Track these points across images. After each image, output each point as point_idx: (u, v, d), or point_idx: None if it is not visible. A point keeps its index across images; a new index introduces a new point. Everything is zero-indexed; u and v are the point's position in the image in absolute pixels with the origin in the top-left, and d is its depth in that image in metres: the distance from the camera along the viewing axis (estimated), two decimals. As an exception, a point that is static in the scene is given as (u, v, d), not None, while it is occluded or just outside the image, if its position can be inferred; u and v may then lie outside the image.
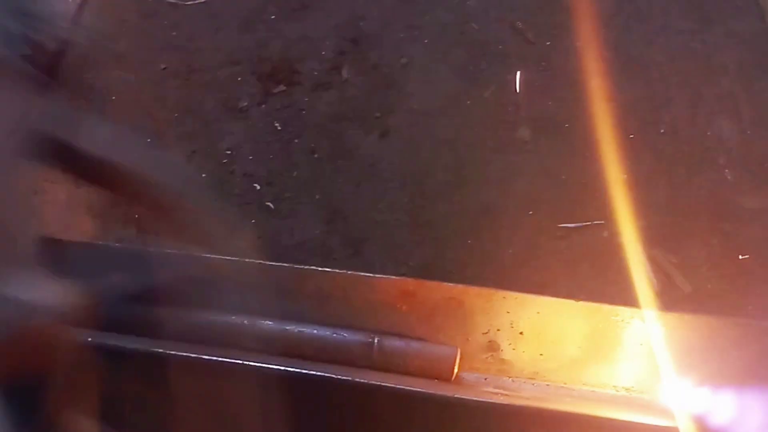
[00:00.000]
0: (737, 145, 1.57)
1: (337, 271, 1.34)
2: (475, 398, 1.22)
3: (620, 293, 1.37)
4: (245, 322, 1.31)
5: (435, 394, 1.23)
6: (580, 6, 1.76)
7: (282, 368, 1.27)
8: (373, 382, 1.24)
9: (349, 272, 1.34)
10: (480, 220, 1.53)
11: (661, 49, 1.67)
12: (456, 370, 1.30)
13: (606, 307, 1.31)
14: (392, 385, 1.23)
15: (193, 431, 1.35)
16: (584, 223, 1.50)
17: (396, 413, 1.33)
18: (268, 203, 1.59)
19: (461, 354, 1.29)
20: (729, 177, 1.54)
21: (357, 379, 1.24)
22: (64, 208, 1.66)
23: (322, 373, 1.27)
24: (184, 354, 1.28)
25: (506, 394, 1.26)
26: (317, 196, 1.58)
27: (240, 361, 1.27)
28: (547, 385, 1.29)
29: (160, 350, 1.28)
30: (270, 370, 1.27)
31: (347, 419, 1.35)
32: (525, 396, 1.26)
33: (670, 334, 1.28)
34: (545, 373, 1.28)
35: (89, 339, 1.29)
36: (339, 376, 1.25)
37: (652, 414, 1.22)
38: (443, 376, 1.29)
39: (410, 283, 1.35)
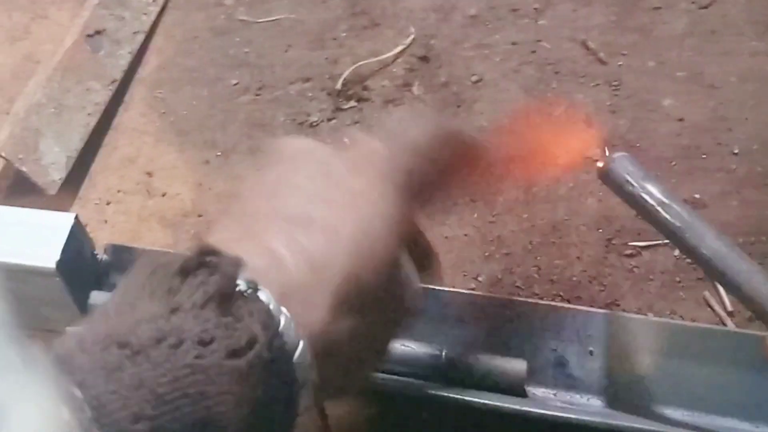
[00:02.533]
0: (813, 166, 1.55)
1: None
2: (544, 412, 1.22)
3: (690, 312, 1.36)
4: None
5: (504, 407, 1.23)
6: (652, 26, 1.76)
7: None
8: (442, 394, 1.24)
9: (420, 285, 1.34)
10: (549, 237, 1.53)
11: (734, 69, 1.66)
12: (524, 385, 1.30)
13: (678, 324, 1.31)
14: (462, 397, 1.23)
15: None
16: (654, 242, 1.49)
17: (465, 426, 1.33)
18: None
19: (529, 369, 1.29)
20: (803, 198, 1.52)
21: (427, 391, 1.25)
22: (137, 218, 1.69)
23: (390, 384, 1.27)
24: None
25: (575, 409, 1.25)
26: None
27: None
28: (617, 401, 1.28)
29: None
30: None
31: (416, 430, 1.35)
32: (594, 412, 1.25)
33: (741, 352, 1.26)
34: (615, 389, 1.27)
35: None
36: (409, 388, 1.26)
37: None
38: (512, 390, 1.29)
39: (479, 297, 1.36)
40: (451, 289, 1.33)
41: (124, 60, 1.93)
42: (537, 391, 1.28)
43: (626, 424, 1.18)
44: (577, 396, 1.26)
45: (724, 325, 1.39)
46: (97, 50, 1.88)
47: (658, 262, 1.47)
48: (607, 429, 1.21)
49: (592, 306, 1.43)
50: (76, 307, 1.35)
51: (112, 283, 1.44)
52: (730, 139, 1.59)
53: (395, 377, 1.27)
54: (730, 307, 1.40)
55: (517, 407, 1.22)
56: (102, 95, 1.86)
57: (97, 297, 1.38)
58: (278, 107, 1.81)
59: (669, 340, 1.27)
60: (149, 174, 1.76)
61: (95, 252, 1.42)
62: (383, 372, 1.28)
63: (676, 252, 1.48)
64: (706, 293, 1.43)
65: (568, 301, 1.44)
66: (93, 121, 1.83)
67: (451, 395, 1.23)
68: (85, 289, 1.38)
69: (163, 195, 1.72)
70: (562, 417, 1.20)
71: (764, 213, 1.50)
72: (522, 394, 1.26)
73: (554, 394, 1.27)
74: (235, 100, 1.85)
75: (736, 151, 1.58)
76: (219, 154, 1.76)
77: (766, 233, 1.48)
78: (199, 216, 1.67)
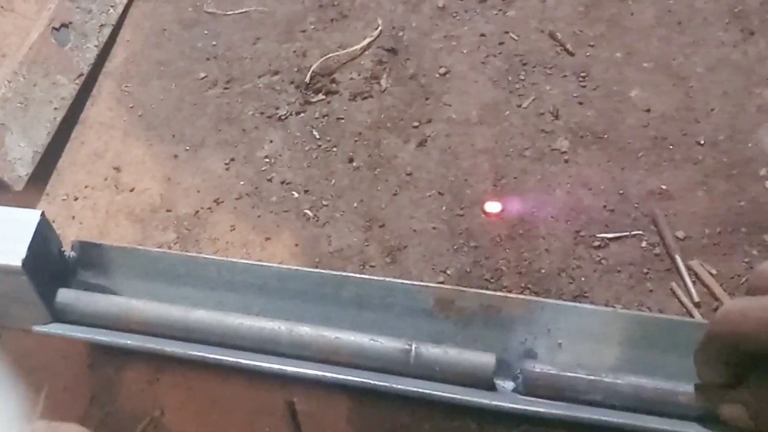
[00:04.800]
0: (778, 156, 1.56)
1: (375, 277, 1.35)
2: (512, 406, 1.23)
3: (658, 303, 1.37)
4: (282, 327, 1.33)
5: (473, 401, 1.24)
6: (620, 17, 1.76)
7: (319, 374, 1.27)
8: (410, 389, 1.24)
9: (387, 279, 1.35)
10: (517, 230, 1.53)
11: (701, 60, 1.66)
12: (493, 379, 1.30)
13: (646, 315, 1.31)
14: (430, 392, 1.24)
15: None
16: (622, 234, 1.50)
17: (434, 419, 1.34)
18: (306, 211, 1.60)
19: (498, 362, 1.29)
20: (770, 188, 1.53)
21: (394, 385, 1.25)
22: (104, 214, 1.68)
23: (359, 379, 1.27)
24: (220, 358, 1.29)
25: (543, 403, 1.26)
26: (355, 205, 1.59)
27: (277, 367, 1.28)
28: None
29: (197, 354, 1.30)
30: (307, 375, 1.28)
31: (384, 426, 1.36)
32: (562, 405, 1.26)
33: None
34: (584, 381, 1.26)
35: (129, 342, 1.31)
36: (377, 382, 1.26)
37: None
38: (481, 383, 1.29)
39: (448, 291, 1.36)
40: (420, 283, 1.33)
41: (91, 53, 1.92)
42: (506, 384, 1.29)
43: (594, 416, 1.19)
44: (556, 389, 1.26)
45: (691, 316, 1.40)
46: (63, 43, 1.86)
47: (626, 254, 1.48)
48: (574, 422, 1.22)
49: (560, 298, 1.44)
50: (43, 305, 1.34)
51: (80, 280, 1.43)
52: (697, 130, 1.60)
53: (365, 372, 1.27)
54: (696, 298, 1.42)
55: (486, 401, 1.23)
56: (69, 89, 1.84)
57: (64, 295, 1.37)
58: (247, 101, 1.80)
59: (637, 332, 1.27)
60: (117, 169, 1.75)
61: (63, 249, 1.41)
62: (352, 367, 1.28)
63: (644, 243, 1.49)
64: (674, 285, 1.44)
65: (537, 294, 1.45)
66: (60, 116, 1.81)
67: (420, 390, 1.23)
68: (52, 287, 1.37)
69: (132, 190, 1.71)
70: (530, 411, 1.21)
71: (731, 204, 1.51)
72: (491, 387, 1.26)
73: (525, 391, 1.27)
74: (204, 94, 1.84)
75: (702, 142, 1.58)
76: (188, 148, 1.76)
77: (733, 225, 1.49)
78: (168, 211, 1.66)
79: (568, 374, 1.23)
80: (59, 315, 1.37)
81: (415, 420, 1.34)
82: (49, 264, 1.37)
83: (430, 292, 1.33)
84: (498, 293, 1.32)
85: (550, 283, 1.46)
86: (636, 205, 1.53)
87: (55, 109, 1.80)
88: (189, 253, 1.48)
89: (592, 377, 1.22)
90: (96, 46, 1.93)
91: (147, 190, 1.70)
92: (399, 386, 1.23)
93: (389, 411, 1.35)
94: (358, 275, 1.36)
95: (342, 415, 1.36)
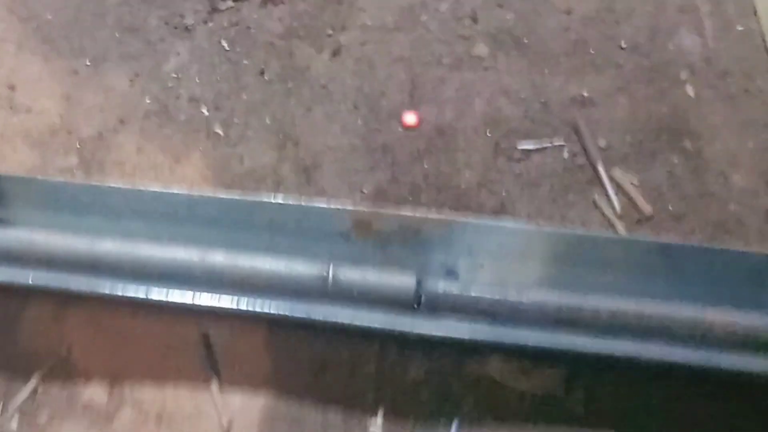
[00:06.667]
0: (699, 59, 1.53)
1: (290, 201, 1.30)
2: (435, 334, 1.20)
3: (581, 216, 1.35)
4: (194, 256, 1.28)
5: (386, 329, 1.21)
6: None
7: (233, 306, 1.24)
8: (328, 320, 1.21)
9: (303, 203, 1.30)
10: (436, 142, 1.48)
11: (621, -42, 1.61)
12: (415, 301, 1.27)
13: (566, 232, 1.29)
14: (344, 322, 1.21)
15: (141, 372, 1.32)
16: (544, 144, 1.46)
17: (352, 346, 1.31)
18: (217, 129, 1.53)
19: (419, 282, 1.26)
20: (691, 93, 1.50)
21: (310, 315, 1.22)
22: None
23: (274, 311, 1.24)
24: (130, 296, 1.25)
25: (467, 327, 1.24)
26: (267, 121, 1.52)
27: (189, 299, 1.24)
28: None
29: (105, 292, 1.24)
30: (220, 307, 1.24)
31: (302, 354, 1.32)
32: (484, 327, 1.24)
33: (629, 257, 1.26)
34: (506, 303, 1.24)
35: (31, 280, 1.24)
36: (293, 314, 1.23)
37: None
38: (401, 305, 1.26)
39: (366, 212, 1.32)
40: (336, 206, 1.28)
41: (-22, -40, 1.78)
42: (426, 305, 1.26)
43: (518, 342, 1.18)
44: (468, 310, 1.24)
45: (614, 228, 1.38)
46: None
47: (548, 166, 1.45)
48: (496, 345, 1.20)
49: (481, 214, 1.40)
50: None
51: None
52: (618, 33, 1.56)
53: (279, 300, 1.23)
54: (619, 210, 1.40)
55: (407, 329, 1.21)
56: (-45, 1, 1.72)
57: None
58: (150, 9, 1.70)
59: (560, 248, 1.25)
60: (11, 87, 1.64)
61: (-46, 179, 1.33)
62: (269, 294, 1.24)
63: (566, 154, 1.46)
64: (596, 197, 1.41)
65: (457, 210, 1.41)
66: (-53, 30, 1.69)
67: (339, 320, 1.21)
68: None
69: (28, 111, 1.60)
70: (453, 338, 1.19)
71: (652, 110, 1.48)
72: (412, 309, 1.23)
73: (445, 308, 1.24)
74: (104, 3, 1.73)
75: (623, 45, 1.54)
76: (88, 63, 1.65)
77: (654, 130, 1.46)
78: (69, 133, 1.56)
79: (472, 294, 1.21)
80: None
81: (332, 346, 1.31)
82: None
83: (347, 214, 1.29)
84: (417, 214, 1.28)
85: (470, 198, 1.42)
86: (557, 113, 1.49)
87: (-58, 23, 1.68)
88: (93, 182, 1.40)
89: (497, 297, 1.20)
90: (-16, -48, 1.80)
91: (45, 110, 1.60)
92: (315, 316, 1.20)
93: (307, 339, 1.32)
94: (271, 199, 1.30)
95: (258, 345, 1.32)
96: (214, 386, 1.31)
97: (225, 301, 1.23)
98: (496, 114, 1.50)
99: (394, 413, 1.29)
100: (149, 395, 1.33)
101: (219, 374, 1.31)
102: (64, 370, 1.35)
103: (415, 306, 1.23)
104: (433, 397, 1.29)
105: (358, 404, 1.29)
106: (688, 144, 1.45)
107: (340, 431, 1.28)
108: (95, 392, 1.34)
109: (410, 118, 1.51)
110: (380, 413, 1.29)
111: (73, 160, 1.53)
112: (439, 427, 1.28)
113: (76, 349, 1.36)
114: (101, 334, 1.36)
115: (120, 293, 1.23)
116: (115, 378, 1.34)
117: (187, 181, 1.48)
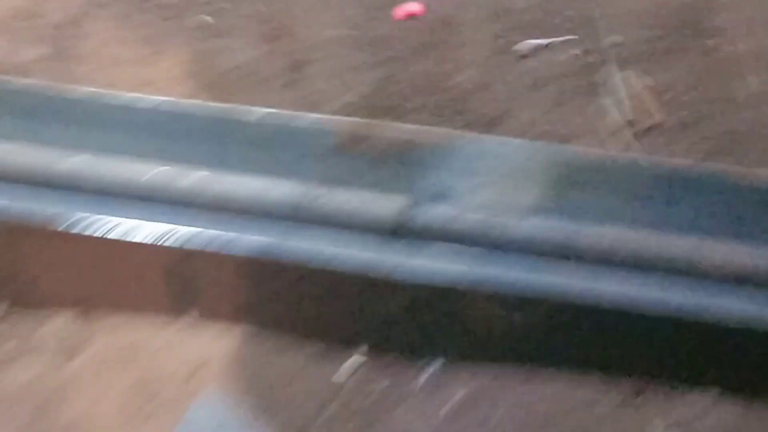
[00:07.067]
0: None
1: (279, 110, 1.21)
2: (421, 263, 1.15)
3: (586, 123, 1.27)
4: (169, 173, 1.20)
5: (377, 259, 1.16)
6: None
7: (210, 230, 1.18)
8: (308, 248, 1.16)
9: (289, 112, 1.21)
10: (437, 35, 1.38)
11: None
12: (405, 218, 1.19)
13: (568, 149, 1.22)
14: (328, 251, 1.16)
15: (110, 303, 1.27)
16: (552, 39, 1.36)
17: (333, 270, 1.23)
18: (204, 16, 1.42)
19: (411, 203, 1.19)
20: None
21: (290, 243, 1.16)
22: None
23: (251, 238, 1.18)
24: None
25: (457, 258, 1.17)
26: (259, 7, 1.41)
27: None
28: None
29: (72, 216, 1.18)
30: (195, 233, 1.18)
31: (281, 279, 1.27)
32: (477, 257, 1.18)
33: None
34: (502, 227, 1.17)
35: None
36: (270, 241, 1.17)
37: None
38: (386, 230, 1.19)
39: (360, 125, 1.23)
40: (326, 116, 1.20)
41: None
42: (414, 231, 1.18)
43: (507, 275, 1.12)
44: (460, 236, 1.17)
45: (623, 135, 1.29)
46: None
47: (555, 65, 1.35)
48: (483, 278, 1.14)
49: (481, 119, 1.31)
50: None
51: None
52: None
53: (255, 225, 1.15)
54: (630, 116, 1.30)
55: (391, 257, 1.14)
56: None
57: None
58: None
59: (563, 169, 1.17)
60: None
61: None
62: (249, 216, 1.17)
63: (577, 51, 1.35)
64: (606, 100, 1.32)
65: (457, 113, 1.32)
66: None
67: (319, 248, 1.14)
68: None
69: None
70: (439, 268, 1.13)
71: (675, 2, 1.37)
72: (398, 234, 1.16)
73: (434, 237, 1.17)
74: None
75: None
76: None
77: (675, 26, 1.36)
78: (40, 18, 1.45)
79: (462, 222, 1.14)
80: None
81: (313, 271, 1.25)
82: None
83: (337, 126, 1.20)
84: (414, 126, 1.20)
85: (470, 101, 1.33)
86: (571, 3, 1.39)
87: None
88: (60, 85, 1.29)
89: (488, 225, 1.13)
90: None
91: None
92: (294, 243, 1.14)
93: (285, 268, 1.25)
94: (255, 108, 1.21)
95: (233, 271, 1.25)
96: (187, 318, 1.24)
97: (198, 228, 1.16)
98: (504, 4, 1.40)
99: (377, 345, 1.24)
100: (118, 328, 1.26)
101: (192, 306, 1.25)
102: (29, 300, 1.28)
103: (399, 233, 1.16)
104: (417, 328, 1.23)
105: (339, 335, 1.24)
106: (709, 42, 1.35)
107: (322, 361, 1.23)
108: (62, 323, 1.27)
109: (414, 5, 1.40)
110: (363, 344, 1.23)
111: (45, 49, 1.41)
112: (423, 358, 1.23)
113: (42, 274, 1.28)
114: (67, 260, 1.28)
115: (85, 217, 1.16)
116: (83, 309, 1.27)
117: (163, 78, 1.37)
